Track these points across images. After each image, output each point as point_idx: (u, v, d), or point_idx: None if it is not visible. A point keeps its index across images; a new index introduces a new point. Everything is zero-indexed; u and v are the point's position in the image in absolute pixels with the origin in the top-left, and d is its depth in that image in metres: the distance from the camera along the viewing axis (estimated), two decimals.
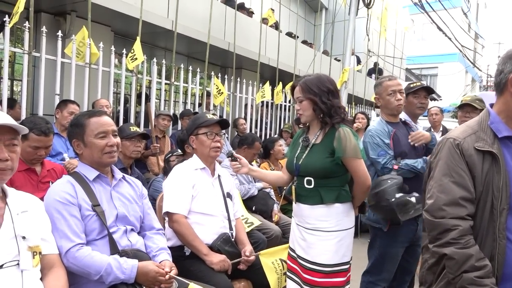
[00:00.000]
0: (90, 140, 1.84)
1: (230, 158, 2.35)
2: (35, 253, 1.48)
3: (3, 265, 1.37)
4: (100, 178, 1.89)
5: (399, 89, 2.66)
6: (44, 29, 4.05)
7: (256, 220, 3.26)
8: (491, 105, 1.47)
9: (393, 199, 2.40)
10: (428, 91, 2.94)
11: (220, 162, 3.15)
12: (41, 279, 1.51)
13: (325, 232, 2.14)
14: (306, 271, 2.15)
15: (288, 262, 2.30)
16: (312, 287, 2.13)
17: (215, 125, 2.50)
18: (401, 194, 2.43)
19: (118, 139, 1.91)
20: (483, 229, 1.37)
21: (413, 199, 2.43)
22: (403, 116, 2.83)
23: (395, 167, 2.54)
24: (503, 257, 1.33)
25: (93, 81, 4.57)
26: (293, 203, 2.29)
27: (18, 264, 1.41)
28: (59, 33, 4.18)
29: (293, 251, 2.25)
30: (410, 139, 2.66)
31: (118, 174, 1.99)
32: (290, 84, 7.77)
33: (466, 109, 3.53)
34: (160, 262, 1.88)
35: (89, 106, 4.45)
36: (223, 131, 2.62)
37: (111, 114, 4.39)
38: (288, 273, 2.29)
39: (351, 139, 2.10)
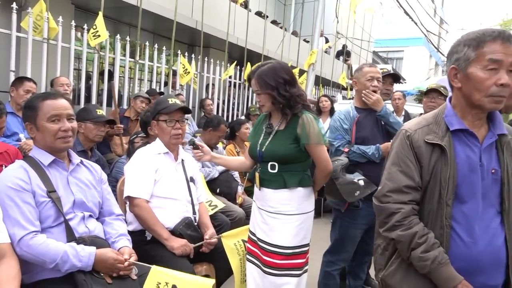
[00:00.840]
0: (42, 124, 1.76)
1: (192, 146, 2.32)
2: None
3: None
4: (56, 163, 1.83)
5: (377, 76, 2.72)
6: None
7: (220, 203, 3.27)
8: (450, 99, 1.52)
9: (337, 179, 2.48)
10: (395, 79, 3.02)
11: (184, 144, 3.11)
12: None
13: (287, 216, 2.18)
14: (267, 253, 2.20)
15: (248, 245, 2.33)
16: (272, 268, 2.18)
17: (177, 112, 2.45)
18: (347, 175, 2.51)
19: (74, 123, 1.83)
20: (432, 217, 1.44)
21: (360, 182, 2.52)
22: None
23: (346, 149, 2.61)
24: (448, 243, 1.40)
25: (52, 57, 4.36)
26: (255, 188, 2.31)
27: None
28: (14, 5, 3.94)
29: (253, 234, 2.28)
30: (362, 95, 2.71)
31: (76, 158, 1.93)
32: (247, 70, 7.71)
33: (432, 94, 3.67)
34: (119, 249, 1.86)
35: (47, 84, 4.26)
36: (186, 116, 2.57)
37: (72, 93, 4.22)
38: (248, 256, 2.32)
39: (314, 126, 2.14)
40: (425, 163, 1.44)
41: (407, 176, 1.45)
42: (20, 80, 3.45)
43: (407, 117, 5.26)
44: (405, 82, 21.05)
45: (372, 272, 3.45)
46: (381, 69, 3.19)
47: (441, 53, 17.59)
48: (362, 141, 2.68)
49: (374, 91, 2.71)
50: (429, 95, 3.70)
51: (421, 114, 3.87)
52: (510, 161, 1.45)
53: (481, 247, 1.38)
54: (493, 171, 1.42)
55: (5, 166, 2.40)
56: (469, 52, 1.38)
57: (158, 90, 5.55)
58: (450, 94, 1.56)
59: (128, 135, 4.37)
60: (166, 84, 6.58)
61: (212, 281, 1.52)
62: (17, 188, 1.65)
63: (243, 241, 2.50)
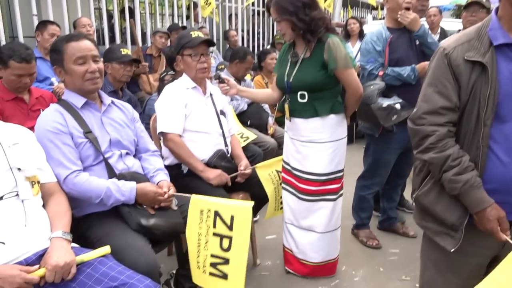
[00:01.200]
0: (70, 67, 1.77)
1: (218, 80, 2.29)
2: (33, 183, 1.51)
3: (2, 196, 1.41)
4: (88, 104, 1.86)
5: None
6: None
7: (251, 134, 3.30)
8: (497, 10, 1.38)
9: (373, 104, 2.42)
10: None
11: (211, 78, 3.09)
12: (43, 206, 1.56)
13: (320, 144, 2.19)
14: (302, 181, 2.25)
15: (283, 174, 2.38)
16: (307, 195, 2.24)
17: (201, 45, 2.39)
18: (383, 99, 2.44)
19: (100, 64, 1.83)
20: (468, 137, 1.38)
21: (397, 106, 2.45)
22: None
23: (380, 73, 2.52)
24: (484, 164, 1.36)
25: None
26: (286, 119, 2.30)
27: (17, 194, 1.44)
28: None
29: (287, 164, 2.32)
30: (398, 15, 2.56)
31: (107, 99, 1.95)
32: None
33: (473, 7, 3.41)
34: (158, 183, 1.93)
35: (70, 26, 4.24)
36: (211, 49, 2.52)
37: (95, 33, 4.19)
38: (283, 185, 2.38)
39: (341, 49, 2.08)
40: (463, 82, 1.36)
41: (443, 97, 1.38)
42: (43, 24, 3.45)
43: (443, 34, 4.96)
44: None
45: (406, 194, 3.50)
46: None
47: None
48: (396, 62, 2.57)
49: (408, 8, 2.54)
50: (470, 8, 3.44)
51: (459, 30, 3.62)
52: None
53: None
54: None
55: (42, 110, 2.51)
56: None
57: (180, 25, 5.43)
58: (494, 5, 1.42)
59: (154, 72, 4.38)
60: (188, 17, 6.41)
61: (251, 203, 1.60)
62: (55, 131, 1.71)
63: (277, 171, 2.55)
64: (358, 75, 2.35)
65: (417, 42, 2.62)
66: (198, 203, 1.75)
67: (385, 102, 2.44)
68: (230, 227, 1.66)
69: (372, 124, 2.60)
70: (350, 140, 5.57)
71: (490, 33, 1.35)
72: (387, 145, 2.72)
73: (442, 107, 1.39)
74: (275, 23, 7.70)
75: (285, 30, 2.10)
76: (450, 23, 5.78)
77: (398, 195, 3.15)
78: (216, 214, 1.69)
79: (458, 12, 11.36)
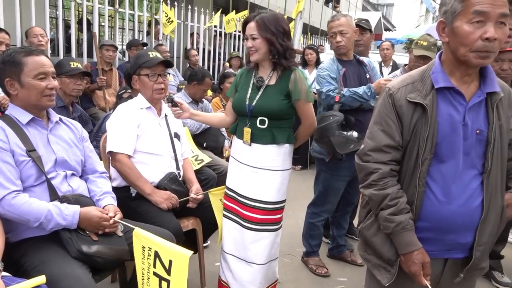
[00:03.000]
0: (28, 81, 1.69)
1: (170, 104, 2.26)
2: None
3: None
4: (34, 121, 1.77)
5: (340, 30, 2.63)
6: None
7: (206, 157, 3.27)
8: (441, 54, 1.46)
9: (332, 136, 2.50)
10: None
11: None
12: None
13: (271, 171, 2.20)
14: (247, 208, 2.22)
15: (225, 201, 2.35)
16: (252, 223, 2.22)
17: (158, 65, 2.37)
18: (341, 132, 2.52)
19: (56, 81, 1.79)
20: (408, 176, 1.44)
21: (354, 134, 2.53)
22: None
23: (337, 98, 2.58)
24: (420, 202, 1.42)
25: (25, 5, 4.12)
26: (236, 142, 2.29)
27: None
28: None
29: (232, 190, 2.29)
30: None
31: (54, 116, 1.87)
32: (243, 13, 7.42)
33: (425, 61, 3.52)
34: (104, 207, 1.85)
35: (22, 35, 4.06)
36: (169, 70, 2.50)
37: (48, 44, 4.03)
38: (225, 212, 2.34)
39: (305, 84, 2.15)
40: (406, 122, 1.42)
41: (387, 135, 1.44)
42: None
43: (395, 67, 5.23)
44: (395, 30, 20.72)
45: (355, 222, 3.58)
46: (355, 19, 3.14)
47: None
48: None
49: (338, 47, 2.67)
50: (420, 58, 3.47)
51: (405, 65, 3.76)
52: (503, 119, 1.41)
53: (454, 207, 1.39)
54: (477, 131, 1.39)
55: None
56: (456, 4, 1.30)
57: (140, 41, 5.36)
58: (437, 54, 1.50)
59: (108, 87, 4.26)
60: (148, 33, 6.34)
61: (190, 252, 1.52)
62: None
63: None
64: (315, 107, 2.41)
65: (368, 75, 2.74)
66: (141, 238, 1.68)
67: (344, 135, 2.52)
68: (168, 272, 1.58)
69: (327, 149, 2.66)
70: (305, 166, 5.72)
71: (432, 76, 1.42)
72: (337, 172, 2.79)
73: (386, 145, 1.45)
74: (236, 44, 7.82)
75: (260, 48, 2.10)
76: (402, 57, 6.11)
77: (347, 222, 3.21)
78: (156, 254, 1.62)
79: (409, 46, 12.04)
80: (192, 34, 6.83)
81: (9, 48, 1.79)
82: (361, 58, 2.83)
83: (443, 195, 1.40)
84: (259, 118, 2.16)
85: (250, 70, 2.26)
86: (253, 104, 2.16)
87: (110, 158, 2.36)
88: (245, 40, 2.21)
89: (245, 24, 2.17)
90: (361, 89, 2.57)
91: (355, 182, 2.86)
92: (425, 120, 1.38)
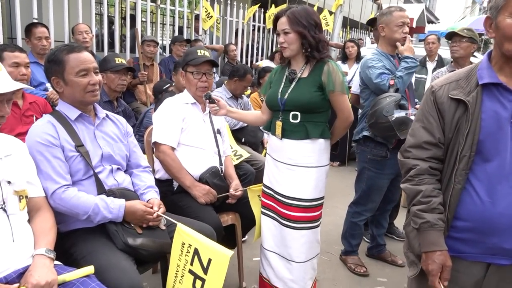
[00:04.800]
0: (71, 79, 1.74)
1: (208, 100, 2.29)
2: (21, 197, 1.47)
3: None
4: (82, 117, 1.83)
5: (407, 22, 2.62)
6: None
7: (245, 152, 3.28)
8: (490, 52, 1.42)
9: (390, 116, 2.44)
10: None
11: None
12: (28, 221, 1.52)
13: (306, 168, 2.17)
14: (285, 206, 2.21)
15: (263, 199, 2.34)
16: (290, 221, 2.21)
17: (204, 64, 2.43)
18: (400, 111, 2.46)
19: (99, 76, 1.82)
20: (447, 173, 1.43)
21: (412, 117, 2.45)
22: None
23: (391, 82, 2.54)
24: (456, 200, 1.39)
25: (73, 4, 4.28)
26: (271, 139, 2.28)
27: (3, 208, 1.41)
28: None
29: (269, 188, 2.29)
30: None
31: (101, 112, 1.93)
32: (275, 10, 7.37)
33: (454, 38, 3.54)
34: (147, 201, 1.90)
35: (70, 31, 4.22)
36: (214, 69, 2.55)
37: (93, 40, 4.17)
38: (263, 210, 2.35)
39: (339, 75, 2.12)
40: (448, 119, 1.42)
41: (427, 132, 1.45)
42: (28, 29, 3.36)
43: (441, 62, 5.02)
44: (439, 22, 19.91)
45: (396, 221, 3.49)
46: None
47: None
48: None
49: (405, 38, 2.64)
50: (452, 38, 3.59)
51: (452, 61, 3.69)
52: None
53: (499, 209, 1.33)
54: None
55: (35, 117, 2.48)
56: None
57: (184, 38, 5.42)
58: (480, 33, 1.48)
59: (149, 82, 4.36)
60: (188, 28, 6.43)
61: (231, 252, 1.51)
62: (46, 144, 1.68)
63: None
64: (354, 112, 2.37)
65: None
66: (182, 234, 1.70)
67: (402, 113, 2.46)
68: (205, 270, 1.59)
69: (384, 136, 2.60)
70: (342, 163, 5.63)
71: (478, 73, 1.39)
72: (381, 170, 2.72)
73: (426, 141, 1.45)
74: (274, 39, 7.79)
75: (292, 42, 2.09)
76: (448, 52, 5.84)
77: (386, 221, 3.14)
78: (196, 252, 1.63)
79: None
80: (236, 31, 6.86)
81: (55, 47, 1.85)
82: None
83: (487, 195, 1.35)
84: (292, 113, 2.14)
85: (284, 66, 2.26)
86: (285, 97, 2.14)
87: (154, 149, 2.42)
88: (276, 36, 2.21)
89: (276, 19, 2.17)
90: (403, 64, 2.57)
91: (397, 180, 2.79)
92: (466, 117, 1.36)
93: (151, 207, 1.83)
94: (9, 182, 1.44)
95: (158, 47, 4.94)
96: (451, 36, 3.58)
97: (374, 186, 2.78)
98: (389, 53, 2.69)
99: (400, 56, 2.69)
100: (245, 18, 6.85)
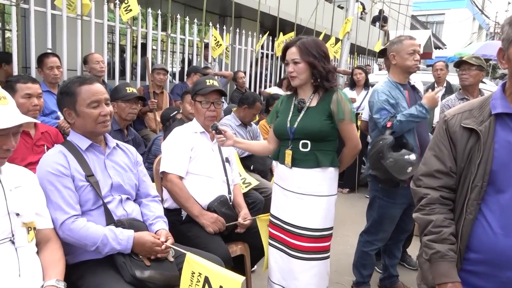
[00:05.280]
0: (83, 110, 1.77)
1: (215, 131, 2.29)
2: (29, 229, 1.47)
3: None
4: (93, 147, 1.85)
5: (418, 50, 2.62)
6: None
7: (253, 180, 3.26)
8: (504, 84, 1.43)
9: (385, 160, 2.41)
10: None
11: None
12: (37, 253, 1.51)
13: (317, 197, 2.14)
14: (294, 236, 2.17)
15: (270, 229, 2.31)
16: (299, 252, 2.16)
17: (212, 93, 2.45)
18: (391, 154, 2.41)
19: (110, 108, 1.85)
20: (460, 203, 1.42)
21: (412, 157, 2.41)
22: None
23: (388, 124, 2.50)
24: (467, 231, 1.37)
25: (86, 33, 4.39)
26: (279, 168, 2.26)
27: (12, 240, 1.40)
28: None
29: (276, 218, 2.25)
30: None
31: (112, 142, 1.95)
32: (290, 35, 7.46)
33: (463, 66, 3.54)
34: (156, 231, 1.88)
35: (82, 60, 4.31)
36: (222, 98, 2.57)
37: (106, 69, 4.26)
38: (270, 241, 2.30)
39: (348, 104, 2.14)
40: (460, 148, 1.41)
41: (439, 161, 1.45)
42: (40, 59, 3.44)
43: (449, 89, 5.02)
44: (446, 48, 20.06)
45: (410, 250, 3.41)
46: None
47: (485, 15, 16.53)
48: None
49: (417, 66, 2.63)
50: (460, 67, 3.57)
51: (460, 89, 3.69)
52: None
53: None
54: None
55: (46, 146, 2.50)
56: (510, 31, 1.31)
57: (190, 63, 5.51)
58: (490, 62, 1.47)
59: (159, 110, 4.41)
60: (198, 56, 6.54)
61: (242, 278, 1.50)
62: (57, 173, 1.69)
63: None
64: (358, 127, 2.35)
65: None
66: (192, 263, 1.68)
67: (396, 155, 2.40)
68: None
69: (386, 177, 2.55)
70: (352, 189, 5.57)
71: (492, 103, 1.40)
72: (393, 199, 2.67)
73: (437, 170, 1.45)
74: (282, 66, 7.87)
75: (302, 72, 2.11)
76: (456, 78, 5.84)
77: (400, 251, 3.07)
78: (206, 280, 1.61)
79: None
80: (257, 60, 6.96)
81: (68, 79, 1.88)
82: (412, 83, 2.77)
83: (500, 227, 1.32)
84: (301, 142, 2.13)
85: (291, 95, 2.27)
86: (295, 126, 2.14)
87: (162, 178, 2.42)
88: (285, 65, 2.23)
89: (285, 49, 2.20)
90: (413, 110, 2.50)
91: (411, 209, 2.73)
92: (479, 147, 1.36)
93: (159, 238, 1.81)
94: (17, 214, 1.44)
95: (168, 74, 5.02)
96: (460, 64, 3.58)
97: (386, 215, 2.73)
98: (400, 82, 2.66)
99: (412, 84, 2.68)
100: (256, 47, 6.96)
